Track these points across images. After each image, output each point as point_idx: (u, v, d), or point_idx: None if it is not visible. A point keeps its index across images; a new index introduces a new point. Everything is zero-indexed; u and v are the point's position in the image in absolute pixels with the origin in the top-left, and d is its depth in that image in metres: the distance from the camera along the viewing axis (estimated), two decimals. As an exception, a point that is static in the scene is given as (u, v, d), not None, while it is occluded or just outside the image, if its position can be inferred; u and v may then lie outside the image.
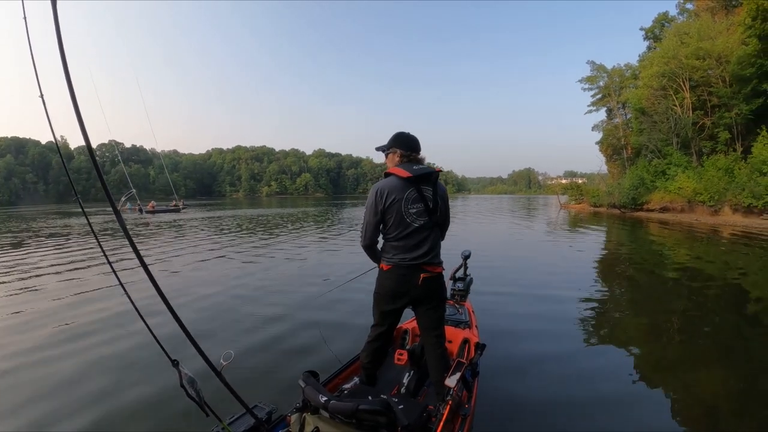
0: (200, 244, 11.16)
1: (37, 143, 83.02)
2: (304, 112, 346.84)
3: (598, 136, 36.29)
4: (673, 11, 30.29)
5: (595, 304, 5.17)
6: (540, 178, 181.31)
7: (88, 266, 7.74)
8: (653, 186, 23.44)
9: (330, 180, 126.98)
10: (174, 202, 32.18)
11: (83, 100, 1.36)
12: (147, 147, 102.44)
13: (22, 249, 10.51)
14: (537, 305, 5.03)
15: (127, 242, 1.41)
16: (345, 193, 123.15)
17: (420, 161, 2.09)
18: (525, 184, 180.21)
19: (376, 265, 2.17)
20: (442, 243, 2.14)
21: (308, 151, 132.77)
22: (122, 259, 8.26)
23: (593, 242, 11.92)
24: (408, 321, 2.96)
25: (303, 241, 11.58)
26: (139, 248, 1.46)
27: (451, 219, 2.20)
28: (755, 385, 3.06)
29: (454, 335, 2.77)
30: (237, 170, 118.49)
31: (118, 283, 1.59)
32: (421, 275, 2.00)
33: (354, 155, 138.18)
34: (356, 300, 4.93)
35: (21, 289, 6.00)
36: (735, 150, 20.66)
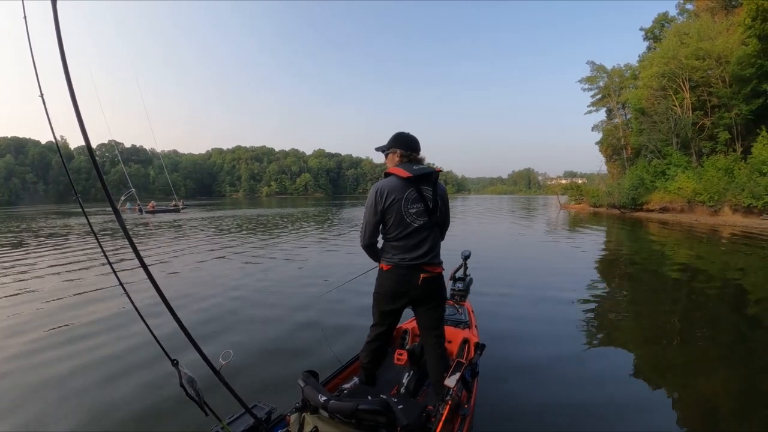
0: (200, 244, 11.15)
1: (37, 143, 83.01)
2: (304, 112, 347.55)
3: (597, 136, 36.42)
4: (673, 11, 30.44)
5: (595, 305, 5.17)
6: (540, 178, 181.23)
7: (88, 266, 7.74)
8: (653, 186, 23.45)
9: (330, 180, 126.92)
10: (174, 202, 32.18)
11: (83, 100, 1.36)
12: (147, 147, 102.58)
13: (21, 249, 10.51)
14: (537, 305, 5.03)
15: (127, 242, 1.41)
16: (345, 193, 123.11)
17: (420, 161, 2.09)
18: (525, 185, 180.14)
19: (376, 265, 2.17)
20: (442, 243, 2.14)
21: (308, 151, 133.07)
22: (122, 260, 8.27)
23: (593, 242, 11.91)
24: (408, 321, 2.96)
25: (303, 241, 11.57)
26: (138, 248, 1.46)
27: (450, 219, 2.21)
28: (756, 386, 3.06)
29: (453, 335, 2.77)
30: (237, 170, 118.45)
31: (118, 283, 1.59)
32: (421, 275, 2.00)
33: (354, 155, 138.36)
34: (356, 300, 4.93)
35: (21, 289, 5.99)
36: (735, 150, 20.71)
